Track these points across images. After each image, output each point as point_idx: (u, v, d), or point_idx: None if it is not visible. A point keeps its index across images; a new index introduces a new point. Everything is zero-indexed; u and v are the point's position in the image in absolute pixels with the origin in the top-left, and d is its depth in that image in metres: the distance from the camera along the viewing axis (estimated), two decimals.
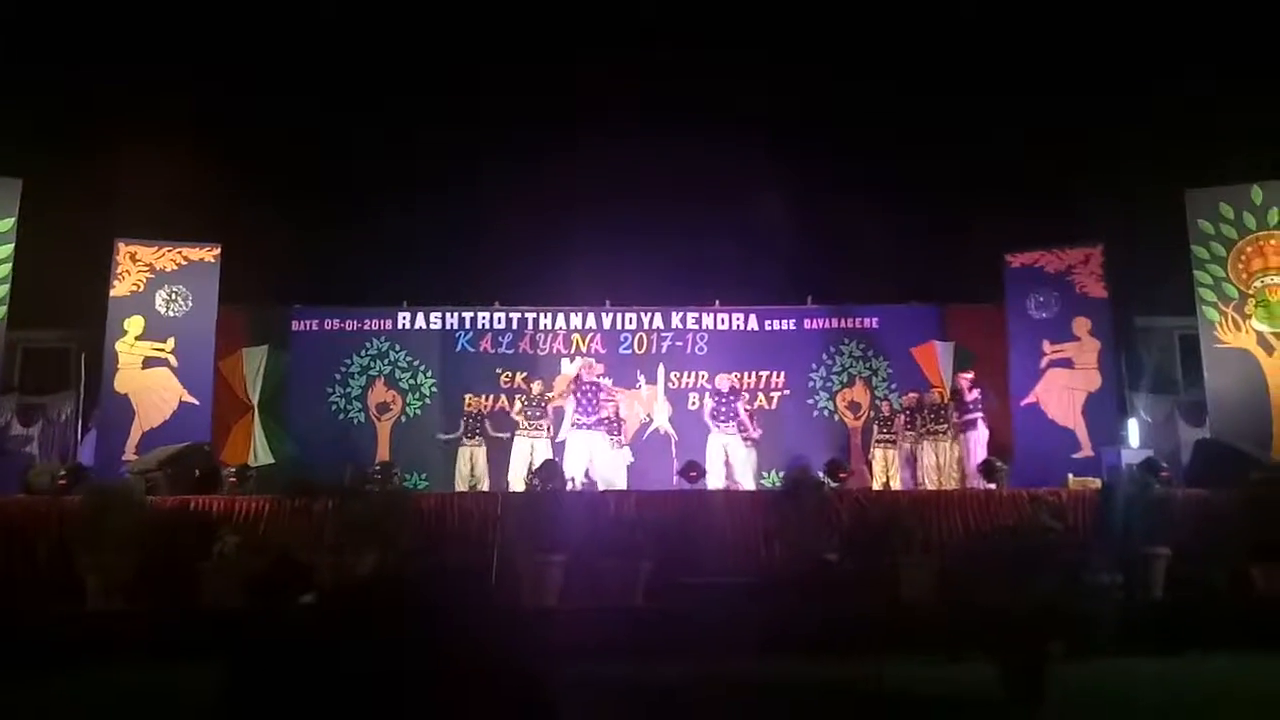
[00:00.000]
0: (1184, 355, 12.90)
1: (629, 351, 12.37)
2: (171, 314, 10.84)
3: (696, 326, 12.52)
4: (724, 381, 10.71)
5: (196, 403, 10.63)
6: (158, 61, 13.06)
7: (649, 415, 11.85)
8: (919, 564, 6.76)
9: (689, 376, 12.23)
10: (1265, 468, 7.67)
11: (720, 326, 12.54)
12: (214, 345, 11.02)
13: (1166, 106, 12.93)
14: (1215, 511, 7.00)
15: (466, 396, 11.76)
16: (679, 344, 12.43)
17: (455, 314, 12.47)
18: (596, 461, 9.63)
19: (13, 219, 9.88)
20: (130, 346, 10.68)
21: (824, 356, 12.39)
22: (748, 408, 11.16)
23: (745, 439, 10.40)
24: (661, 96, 13.97)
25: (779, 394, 12.32)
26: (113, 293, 10.77)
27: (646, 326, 12.51)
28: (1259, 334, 9.88)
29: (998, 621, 4.89)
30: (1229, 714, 4.59)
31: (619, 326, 12.51)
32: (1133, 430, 11.65)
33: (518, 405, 10.73)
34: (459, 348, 12.38)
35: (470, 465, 10.76)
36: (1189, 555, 6.55)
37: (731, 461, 10.04)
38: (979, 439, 10.23)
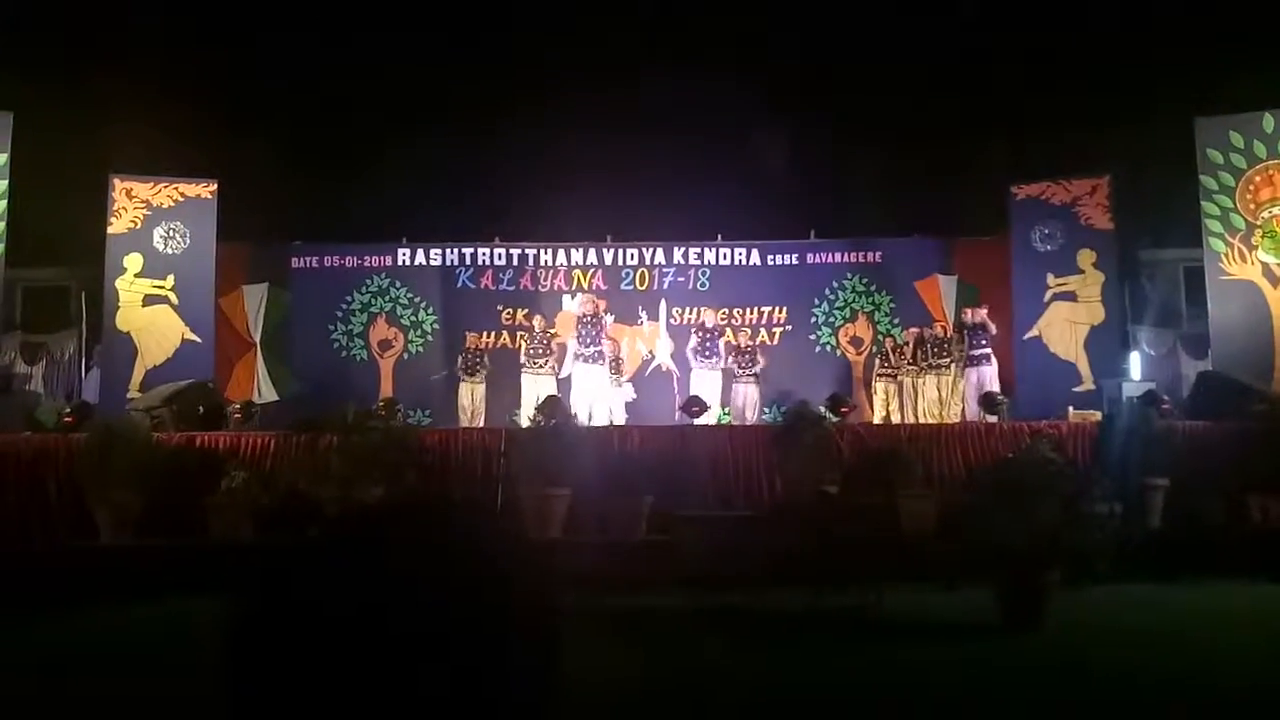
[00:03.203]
0: (1188, 288, 12.85)
1: (630, 287, 12.31)
2: (170, 251, 10.77)
3: (699, 262, 12.43)
4: (708, 317, 10.71)
5: (198, 340, 10.64)
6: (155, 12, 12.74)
7: (651, 351, 11.85)
8: (919, 496, 6.83)
9: (691, 312, 12.19)
10: (1264, 399, 7.69)
11: (722, 262, 12.46)
12: (214, 282, 10.97)
13: (1175, 33, 12.63)
14: (1214, 443, 7.05)
15: (467, 334, 11.76)
16: (680, 279, 12.37)
17: (455, 250, 12.38)
18: (597, 396, 9.71)
19: (5, 154, 9.72)
20: (130, 284, 10.64)
21: (826, 291, 12.34)
22: (749, 344, 11.19)
23: (738, 377, 10.45)
24: (664, 32, 13.66)
25: (781, 329, 12.30)
26: (110, 230, 10.68)
27: (648, 262, 12.43)
28: (1265, 265, 9.80)
29: (996, 551, 4.96)
30: (1224, 639, 4.68)
31: (620, 262, 12.42)
32: (1134, 363, 11.69)
33: (522, 344, 10.75)
34: (460, 284, 12.33)
35: (470, 399, 10.84)
36: (1188, 486, 6.61)
37: (708, 400, 10.10)
38: (991, 374, 10.17)
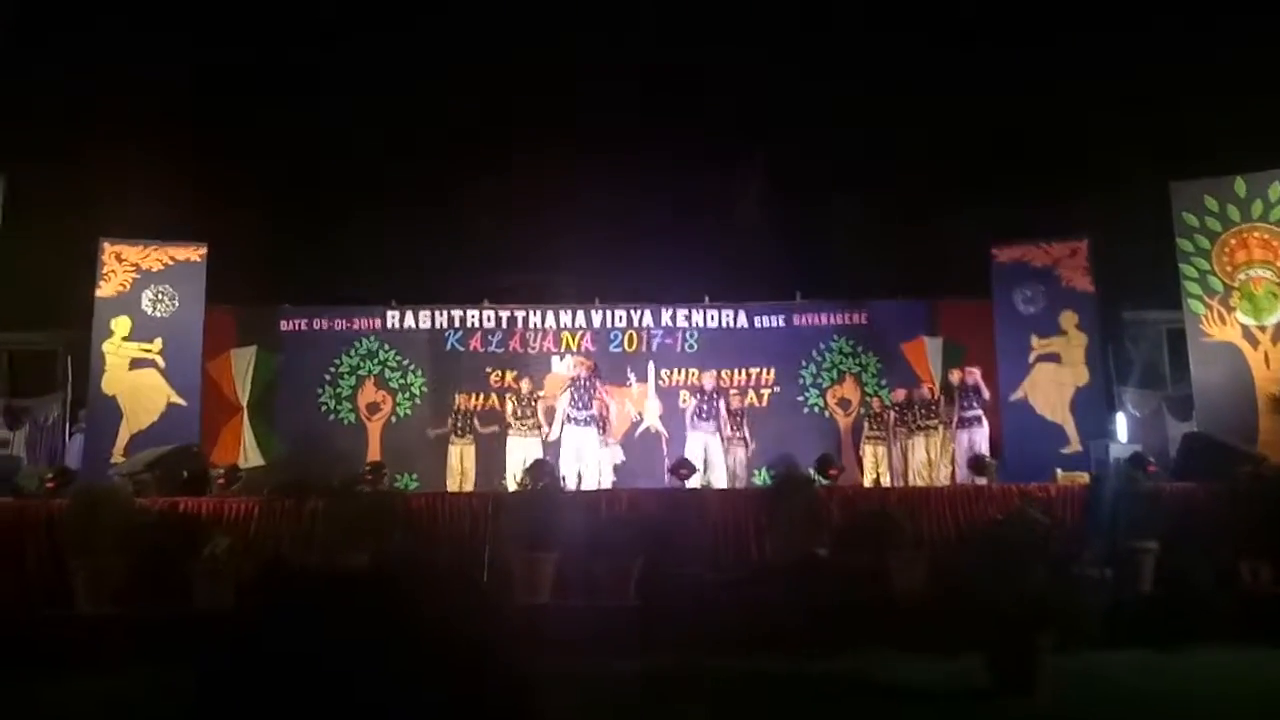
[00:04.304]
0: (1171, 349, 12.98)
1: (619, 349, 12.37)
2: (158, 314, 10.78)
3: (686, 324, 12.52)
4: (708, 380, 10.75)
5: (185, 404, 10.58)
6: (143, 60, 12.98)
7: (639, 413, 11.86)
8: (909, 559, 6.78)
9: (679, 374, 12.23)
10: (1250, 460, 7.72)
11: (710, 324, 12.55)
12: (202, 346, 10.96)
13: (1151, 99, 13.01)
14: (1202, 505, 7.05)
15: (456, 395, 11.74)
16: (669, 342, 12.44)
17: (445, 313, 12.44)
18: (586, 459, 9.67)
19: None
20: (117, 347, 10.62)
21: (813, 353, 12.42)
22: (739, 406, 11.20)
23: (727, 438, 10.43)
24: (652, 96, 13.99)
25: (769, 391, 12.34)
26: (98, 293, 10.69)
27: (636, 324, 12.51)
28: (1244, 327, 9.94)
29: (988, 615, 4.92)
30: (1217, 707, 4.63)
31: (609, 324, 12.50)
32: (1121, 425, 11.73)
33: (510, 405, 10.74)
34: (449, 347, 12.36)
35: (460, 461, 10.78)
36: (1177, 549, 6.59)
37: (710, 460, 10.05)
38: (983, 436, 10.12)
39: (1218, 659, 5.51)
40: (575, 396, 9.80)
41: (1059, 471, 9.66)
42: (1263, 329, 9.88)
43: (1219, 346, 9.99)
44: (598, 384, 10.07)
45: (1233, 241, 10.16)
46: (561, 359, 12.04)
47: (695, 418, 10.28)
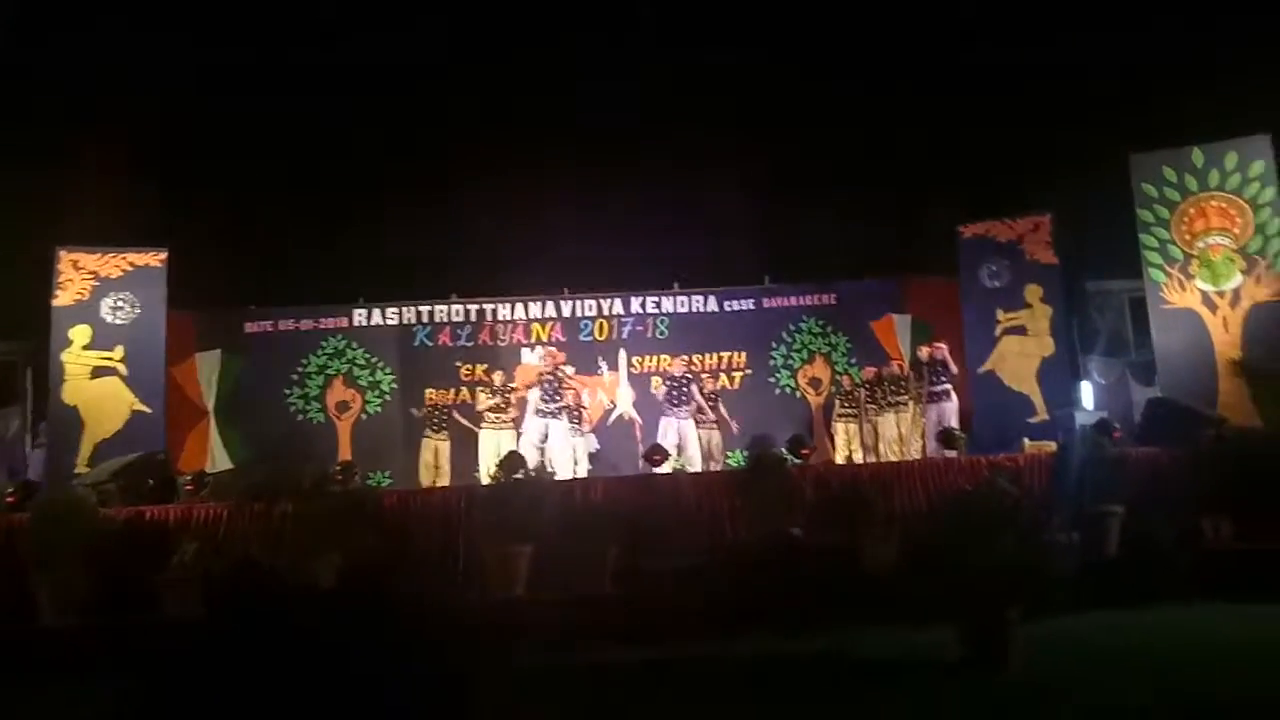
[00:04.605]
0: (1134, 317, 13.16)
1: (590, 338, 12.35)
2: (119, 321, 10.59)
3: (656, 310, 12.52)
4: (677, 366, 10.80)
5: (149, 411, 10.41)
6: (93, 63, 12.72)
7: (612, 401, 11.85)
8: (882, 534, 6.83)
9: (651, 361, 12.23)
10: (1210, 423, 7.86)
11: (680, 309, 12.57)
12: (165, 351, 10.79)
13: (1110, 72, 13.15)
14: (1166, 468, 7.16)
15: (428, 391, 11.65)
16: (639, 329, 12.44)
17: (412, 309, 12.36)
18: (558, 450, 9.66)
19: None
20: (77, 357, 10.42)
21: (784, 334, 12.48)
22: (713, 391, 11.24)
23: (701, 423, 10.49)
24: (616, 83, 13.91)
25: (741, 374, 12.38)
26: (56, 302, 10.47)
27: (606, 313, 12.49)
28: (1203, 293, 10.09)
29: (960, 586, 4.96)
30: (1184, 663, 4.71)
31: (578, 314, 12.47)
32: (1086, 393, 11.89)
33: (482, 399, 10.70)
34: (417, 343, 12.28)
35: (434, 456, 10.72)
36: (1141, 511, 6.69)
37: (685, 445, 10.12)
38: (952, 410, 10.25)
39: (1182, 616, 5.62)
40: (545, 389, 9.81)
41: (1027, 441, 9.78)
42: (1221, 295, 10.04)
43: (1179, 313, 10.14)
44: (566, 376, 10.08)
45: (1191, 211, 10.30)
46: (532, 350, 12.00)
47: (667, 404, 10.36)
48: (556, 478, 8.90)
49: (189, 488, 8.63)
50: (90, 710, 4.82)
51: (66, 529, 6.47)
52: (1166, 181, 10.41)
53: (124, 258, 10.78)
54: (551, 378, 9.89)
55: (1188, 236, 10.26)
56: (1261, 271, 9.91)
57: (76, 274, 10.62)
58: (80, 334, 10.47)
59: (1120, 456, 7.21)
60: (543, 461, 9.37)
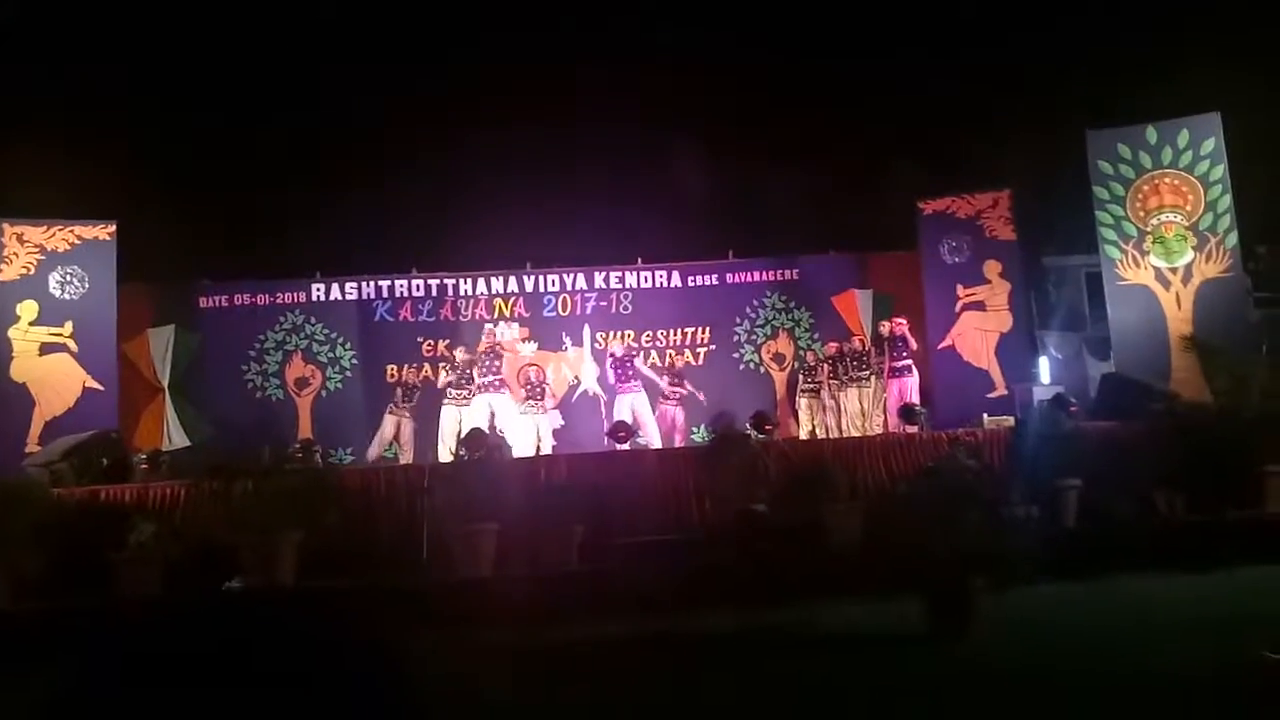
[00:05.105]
0: (1091, 292, 13.42)
1: (553, 314, 12.26)
2: (67, 296, 10.29)
3: (620, 286, 12.46)
4: (616, 345, 10.86)
5: (101, 388, 10.16)
6: (37, 33, 12.25)
7: (576, 377, 11.81)
8: (845, 509, 6.92)
9: (615, 336, 12.19)
10: (1164, 398, 8.04)
11: (644, 285, 12.51)
12: (116, 327, 10.51)
13: (1068, 49, 13.29)
14: (1120, 442, 7.32)
15: (389, 367, 11.50)
16: (603, 304, 12.37)
17: (372, 283, 12.15)
18: (503, 424, 9.65)
19: None
20: (25, 333, 10.12)
21: (747, 310, 12.49)
22: (673, 365, 11.27)
23: (665, 398, 10.56)
24: (577, 57, 13.75)
25: (705, 349, 12.39)
26: (0, 277, 10.16)
27: (570, 288, 12.40)
28: (1156, 270, 10.30)
29: (922, 560, 5.05)
30: (1140, 632, 4.84)
31: (542, 289, 12.37)
32: (1044, 367, 12.13)
33: (444, 375, 10.58)
34: (378, 317, 12.09)
35: (396, 432, 10.60)
36: (1098, 485, 6.85)
37: (640, 420, 10.14)
38: (913, 385, 10.37)
39: (1138, 586, 5.77)
40: (483, 364, 9.82)
41: (986, 416, 9.94)
42: (1174, 271, 10.25)
43: (1134, 289, 10.34)
44: (501, 348, 10.07)
45: (1145, 188, 10.48)
46: (495, 325, 11.88)
47: (617, 383, 10.40)
48: (513, 454, 8.87)
49: (144, 466, 8.46)
50: (44, 695, 4.72)
51: (18, 512, 6.30)
52: (1121, 158, 10.58)
53: (71, 230, 10.46)
54: (489, 350, 9.87)
55: (1142, 213, 10.45)
56: (1212, 248, 10.13)
57: (21, 247, 10.29)
58: (27, 309, 10.17)
59: (1076, 431, 7.37)
60: (501, 438, 9.33)
